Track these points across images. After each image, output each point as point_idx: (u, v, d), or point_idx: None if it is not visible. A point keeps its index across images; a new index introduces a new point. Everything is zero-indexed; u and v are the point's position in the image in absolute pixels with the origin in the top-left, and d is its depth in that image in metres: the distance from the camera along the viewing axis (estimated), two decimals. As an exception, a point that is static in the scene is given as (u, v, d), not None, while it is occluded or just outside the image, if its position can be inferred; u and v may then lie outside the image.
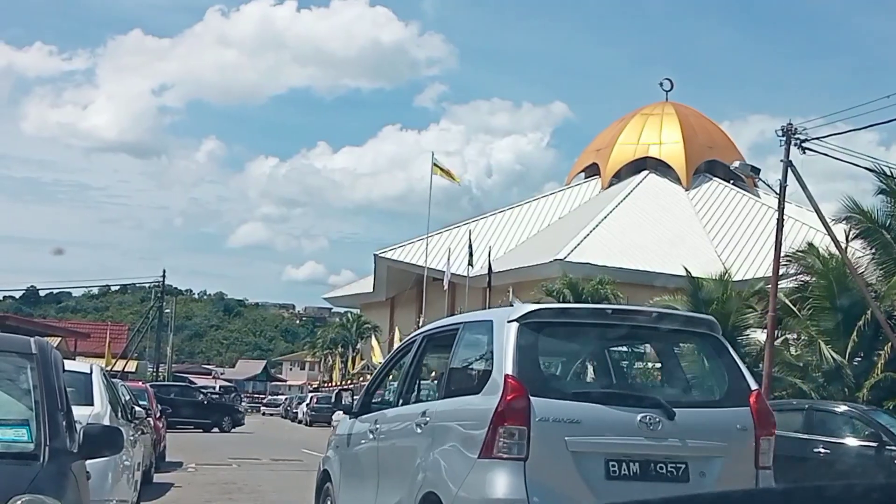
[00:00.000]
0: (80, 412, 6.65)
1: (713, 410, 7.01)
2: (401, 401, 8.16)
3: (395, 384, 8.85)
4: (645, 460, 6.49)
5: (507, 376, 6.45)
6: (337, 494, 8.82)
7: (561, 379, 8.22)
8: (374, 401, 8.91)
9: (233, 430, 38.28)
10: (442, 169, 46.98)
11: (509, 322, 6.71)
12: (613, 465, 6.41)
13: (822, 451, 15.96)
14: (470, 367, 7.50)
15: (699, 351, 7.62)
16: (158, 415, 20.59)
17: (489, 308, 36.95)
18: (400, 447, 7.66)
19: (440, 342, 8.09)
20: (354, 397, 9.51)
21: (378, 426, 8.15)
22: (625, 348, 8.44)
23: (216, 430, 37.31)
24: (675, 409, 6.59)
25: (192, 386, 45.65)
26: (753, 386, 7.08)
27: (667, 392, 7.50)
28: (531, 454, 6.28)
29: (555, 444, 6.33)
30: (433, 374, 9.77)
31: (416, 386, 8.35)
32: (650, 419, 6.48)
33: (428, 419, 7.17)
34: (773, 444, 6.95)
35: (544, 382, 6.83)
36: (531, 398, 6.35)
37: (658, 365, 8.71)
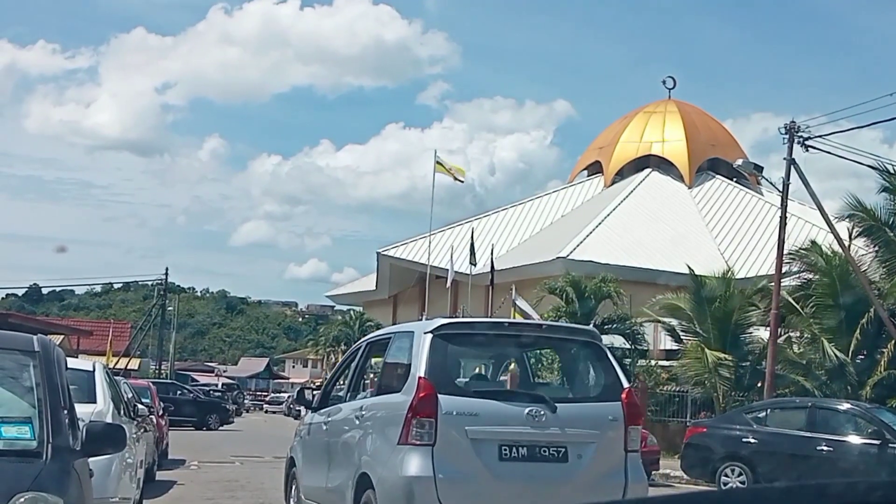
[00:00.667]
0: (82, 410, 6.67)
1: (589, 405, 8.42)
2: (348, 397, 9.55)
3: (346, 382, 10.19)
4: (531, 445, 7.85)
5: (419, 378, 7.78)
6: (300, 477, 10.14)
7: (465, 379, 9.60)
8: (330, 396, 10.21)
9: (220, 427, 38.14)
10: (446, 167, 46.81)
11: (425, 333, 8.05)
12: (505, 449, 7.78)
13: (825, 448, 15.96)
14: (396, 369, 8.68)
15: (582, 355, 9.01)
16: (161, 412, 20.60)
17: (491, 307, 36.94)
18: (344, 436, 8.96)
19: (379, 348, 9.54)
20: (315, 393, 10.91)
21: (330, 418, 9.50)
22: (520, 354, 9.80)
23: (204, 428, 37.20)
24: (557, 404, 8.00)
25: (180, 384, 45.54)
26: (626, 384, 8.47)
27: (551, 390, 9.25)
28: (438, 441, 7.64)
29: (457, 432, 7.70)
30: (373, 375, 11.06)
31: (361, 384, 9.94)
32: (535, 412, 7.87)
33: (363, 412, 8.60)
34: (640, 432, 8.49)
35: (450, 382, 8.12)
36: (439, 395, 7.70)
37: (548, 367, 10.50)
